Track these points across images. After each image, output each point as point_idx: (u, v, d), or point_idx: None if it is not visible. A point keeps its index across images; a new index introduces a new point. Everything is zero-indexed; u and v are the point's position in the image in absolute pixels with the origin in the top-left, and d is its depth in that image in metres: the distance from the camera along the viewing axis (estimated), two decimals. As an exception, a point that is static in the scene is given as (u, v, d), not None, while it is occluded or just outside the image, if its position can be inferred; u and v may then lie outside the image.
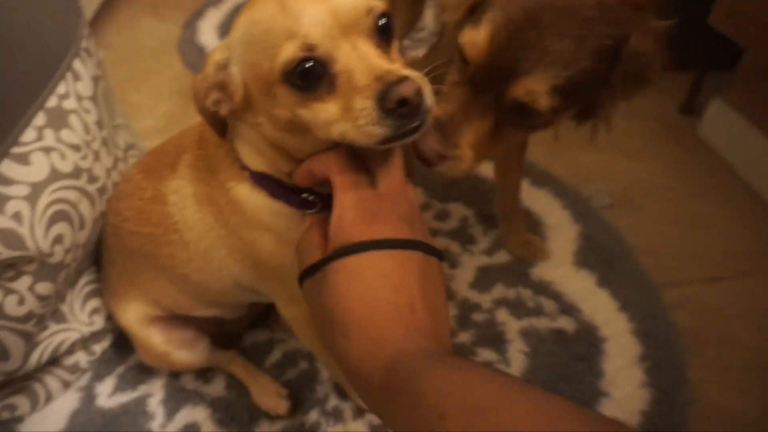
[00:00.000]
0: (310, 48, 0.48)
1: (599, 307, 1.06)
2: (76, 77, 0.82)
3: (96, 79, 0.87)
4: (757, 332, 1.03)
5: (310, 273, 0.50)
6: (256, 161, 0.62)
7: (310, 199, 0.61)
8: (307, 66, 0.48)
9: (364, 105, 0.47)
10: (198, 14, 1.91)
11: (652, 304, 1.06)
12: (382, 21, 0.51)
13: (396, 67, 0.49)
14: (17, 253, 0.72)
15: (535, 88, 0.56)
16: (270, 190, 0.62)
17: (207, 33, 1.84)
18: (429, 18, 1.63)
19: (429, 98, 0.48)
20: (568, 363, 0.97)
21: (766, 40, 1.13)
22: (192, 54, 1.78)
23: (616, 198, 1.31)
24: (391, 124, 0.47)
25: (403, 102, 0.46)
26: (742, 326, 1.04)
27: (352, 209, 0.49)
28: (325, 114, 0.50)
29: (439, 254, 0.52)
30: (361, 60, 0.48)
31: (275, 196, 0.62)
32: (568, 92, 0.57)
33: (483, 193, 1.29)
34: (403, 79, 0.46)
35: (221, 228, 0.70)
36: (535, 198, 1.28)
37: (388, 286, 0.45)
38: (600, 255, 1.15)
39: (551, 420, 0.35)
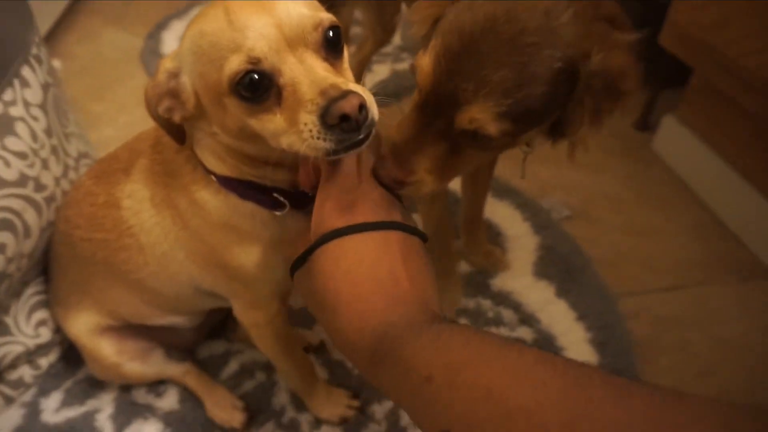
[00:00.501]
0: (255, 61, 0.48)
1: (557, 317, 1.07)
2: (24, 84, 0.81)
3: (46, 87, 0.86)
4: (711, 341, 1.06)
5: (298, 264, 0.54)
6: (219, 166, 0.62)
7: (281, 199, 0.62)
8: (253, 78, 0.49)
9: (308, 120, 0.48)
10: (162, 25, 1.89)
11: (609, 313, 1.08)
12: (331, 34, 0.52)
13: (342, 80, 0.50)
14: (-46, 263, 0.69)
15: (477, 116, 0.55)
16: (239, 192, 0.63)
17: (171, 44, 1.82)
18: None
19: (373, 112, 0.49)
20: (526, 372, 0.97)
21: (712, 59, 1.18)
22: (155, 64, 1.76)
23: (575, 210, 1.34)
24: (335, 139, 0.48)
25: (345, 117, 0.47)
26: (697, 335, 1.07)
27: (329, 200, 0.53)
28: (273, 125, 0.51)
29: (420, 233, 0.55)
30: (306, 73, 0.49)
31: (245, 197, 0.63)
32: (518, 116, 0.56)
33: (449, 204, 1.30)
34: (346, 94, 0.47)
35: (180, 230, 0.69)
36: (496, 209, 1.29)
37: (368, 263, 0.49)
38: (559, 266, 1.17)
39: (528, 372, 0.37)
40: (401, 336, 0.44)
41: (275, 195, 0.62)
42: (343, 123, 0.47)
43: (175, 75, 0.55)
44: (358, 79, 1.47)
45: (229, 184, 0.63)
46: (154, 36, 1.85)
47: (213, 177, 0.63)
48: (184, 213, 0.67)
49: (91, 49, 1.84)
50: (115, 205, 0.72)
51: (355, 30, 1.64)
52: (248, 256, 0.67)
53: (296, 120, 0.49)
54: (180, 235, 0.69)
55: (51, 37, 1.80)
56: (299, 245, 0.55)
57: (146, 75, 1.73)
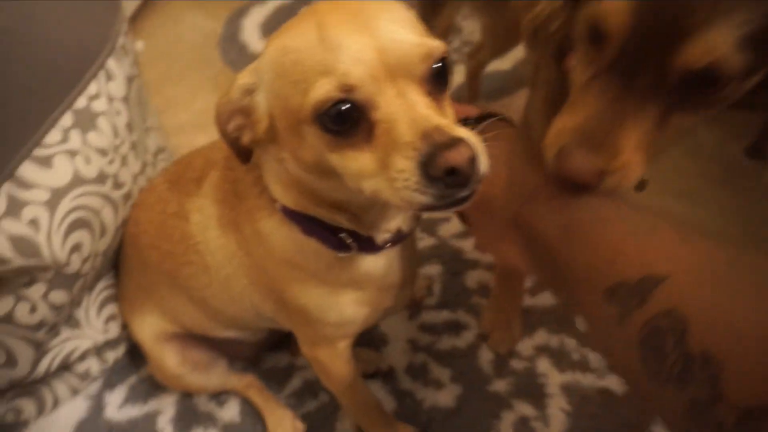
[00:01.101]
0: (348, 89, 0.41)
1: (652, 366, 0.95)
2: (110, 77, 0.77)
3: (130, 79, 0.82)
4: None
5: None
6: (285, 196, 0.55)
7: (348, 241, 0.54)
8: (342, 108, 0.41)
9: (405, 166, 0.40)
10: (242, 11, 1.86)
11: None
12: (437, 65, 0.43)
13: (447, 123, 0.42)
14: (31, 262, 0.67)
15: (717, 43, 0.40)
16: (303, 226, 0.56)
17: (249, 31, 1.79)
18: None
19: (483, 164, 0.41)
20: (614, 428, 0.87)
21: None
22: (232, 51, 1.74)
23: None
24: (435, 194, 0.40)
25: (452, 170, 0.39)
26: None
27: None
28: (358, 165, 0.43)
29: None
30: (406, 110, 0.41)
31: (308, 233, 0.56)
32: (765, 39, 0.40)
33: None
34: (455, 142, 0.39)
35: (244, 257, 0.64)
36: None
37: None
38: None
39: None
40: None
41: (342, 236, 0.55)
42: (448, 177, 0.39)
43: (249, 92, 0.48)
44: (476, 94, 1.35)
45: (293, 216, 0.56)
46: (233, 22, 1.83)
47: (279, 205, 0.56)
48: (248, 240, 0.62)
49: (172, 31, 1.84)
50: (184, 218, 0.68)
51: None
52: (310, 298, 0.61)
53: (389, 164, 0.41)
54: (244, 262, 0.64)
55: (135, 18, 1.81)
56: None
57: (222, 61, 1.72)
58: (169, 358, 0.81)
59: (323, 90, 0.41)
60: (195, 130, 1.44)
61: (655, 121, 0.45)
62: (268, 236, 0.58)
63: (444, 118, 0.43)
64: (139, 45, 1.65)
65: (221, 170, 0.64)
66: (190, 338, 0.83)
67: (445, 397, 0.90)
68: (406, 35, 0.42)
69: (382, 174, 0.42)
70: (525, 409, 0.89)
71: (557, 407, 0.90)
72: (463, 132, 0.41)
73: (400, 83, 0.42)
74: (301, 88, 0.42)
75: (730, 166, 1.38)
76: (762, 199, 1.30)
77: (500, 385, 0.92)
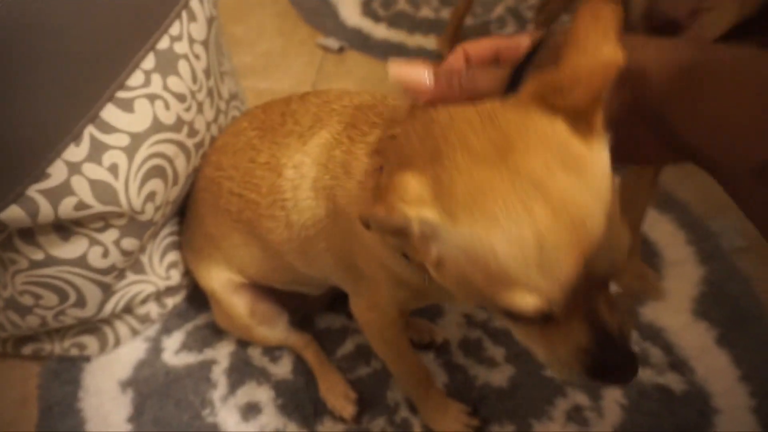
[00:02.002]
0: (547, 309, 0.39)
1: (716, 370, 0.92)
2: (192, 18, 0.74)
3: (210, 21, 0.78)
4: None
5: None
6: None
7: None
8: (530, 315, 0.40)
9: (573, 365, 0.41)
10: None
11: (782, 380, 0.91)
12: None
13: (618, 325, 0.41)
14: (109, 209, 0.66)
15: None
16: None
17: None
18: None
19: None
20: (671, 429, 0.85)
21: None
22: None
23: (751, 240, 1.13)
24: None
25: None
26: None
27: None
28: (525, 332, 0.44)
29: None
30: (588, 314, 0.40)
31: None
32: None
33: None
34: (626, 362, 0.41)
35: (328, 224, 0.62)
36: (655, 225, 1.12)
37: None
38: (725, 308, 0.99)
39: None
40: None
41: None
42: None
43: (426, 237, 0.41)
44: None
45: None
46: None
47: None
48: (337, 212, 0.60)
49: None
50: (276, 171, 0.65)
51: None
52: (378, 273, 0.61)
53: (558, 349, 0.42)
54: (326, 228, 0.63)
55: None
56: None
57: (288, 0, 1.65)
58: (240, 307, 0.81)
59: (524, 303, 0.39)
60: (258, 75, 1.41)
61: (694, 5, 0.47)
62: (362, 231, 0.56)
63: (614, 312, 0.42)
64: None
65: (334, 135, 0.61)
66: (257, 290, 0.83)
67: (499, 376, 0.88)
68: (622, 251, 0.40)
69: (546, 347, 0.43)
70: (579, 398, 0.88)
71: (613, 400, 0.88)
72: (630, 337, 0.42)
73: (592, 292, 0.40)
74: (493, 283, 0.39)
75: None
76: None
77: (556, 373, 0.90)
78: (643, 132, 0.40)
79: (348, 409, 0.83)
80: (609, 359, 0.40)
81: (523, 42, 0.45)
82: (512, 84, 0.43)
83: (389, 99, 0.63)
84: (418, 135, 0.44)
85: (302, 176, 0.63)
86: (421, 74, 0.46)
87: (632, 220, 0.98)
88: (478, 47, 0.48)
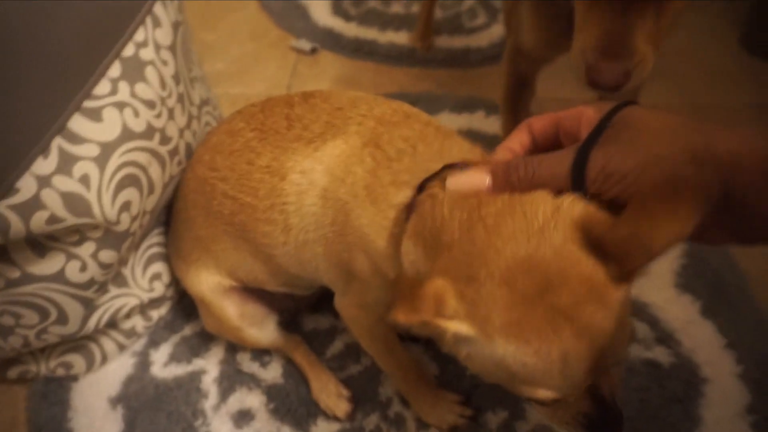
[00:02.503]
0: (561, 398, 0.47)
1: (702, 341, 0.93)
2: (156, 23, 0.73)
3: (176, 26, 0.78)
4: None
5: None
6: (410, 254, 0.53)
7: None
8: None
9: (570, 422, 0.50)
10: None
11: (766, 346, 0.93)
12: None
13: (610, 393, 0.48)
14: (83, 221, 0.65)
15: None
16: None
17: (287, -29, 1.70)
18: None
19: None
20: (662, 402, 0.86)
21: None
22: (267, -7, 1.66)
23: (728, 212, 1.15)
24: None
25: None
26: None
27: None
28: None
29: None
30: (588, 392, 0.47)
31: None
32: None
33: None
34: (615, 420, 0.48)
35: (332, 233, 0.63)
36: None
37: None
38: (707, 279, 1.01)
39: None
40: None
41: None
42: None
43: (458, 340, 0.45)
44: None
45: None
46: (268, -38, 1.74)
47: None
48: (347, 225, 0.60)
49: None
50: (278, 175, 0.65)
51: None
52: (373, 280, 0.62)
53: (560, 414, 0.50)
54: (329, 236, 0.63)
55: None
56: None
57: (258, 5, 1.64)
58: (230, 310, 0.80)
59: (543, 396, 0.46)
60: (231, 80, 1.40)
61: (654, 16, 0.54)
62: (373, 243, 0.58)
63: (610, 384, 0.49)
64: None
65: (353, 148, 0.60)
66: (246, 292, 0.82)
67: (490, 364, 0.89)
68: (624, 346, 0.46)
69: (553, 413, 0.50)
70: (571, 380, 0.88)
71: (604, 379, 0.88)
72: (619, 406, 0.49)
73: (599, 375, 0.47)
74: (519, 381, 0.45)
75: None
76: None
77: (547, 356, 0.91)
78: (719, 219, 0.40)
79: (342, 407, 0.82)
80: (603, 420, 0.49)
81: (585, 114, 0.46)
82: (576, 167, 0.43)
83: (413, 120, 0.62)
84: (460, 224, 0.47)
85: (311, 183, 0.62)
86: (480, 181, 0.47)
87: None
88: (542, 122, 0.49)
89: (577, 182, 0.43)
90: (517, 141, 0.50)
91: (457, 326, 0.43)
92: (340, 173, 0.60)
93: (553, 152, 0.46)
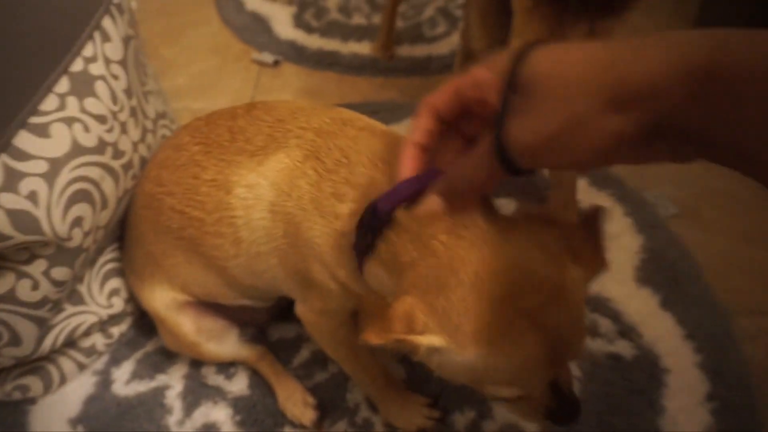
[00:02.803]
0: (525, 395, 0.51)
1: (662, 332, 0.95)
2: (105, 38, 0.73)
3: (127, 40, 0.77)
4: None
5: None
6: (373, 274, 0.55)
7: None
8: None
9: (534, 415, 0.54)
10: (238, -35, 1.78)
11: (723, 334, 0.95)
12: None
13: (568, 386, 0.53)
14: (32, 238, 0.64)
15: None
16: (360, 254, 0.55)
17: (247, -13, 1.72)
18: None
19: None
20: (625, 394, 0.87)
21: None
22: (229, 8, 1.67)
23: (683, 207, 1.18)
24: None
25: None
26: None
27: None
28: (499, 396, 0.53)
29: None
30: (549, 387, 0.52)
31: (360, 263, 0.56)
32: None
33: (539, 189, 1.18)
34: (574, 408, 0.53)
35: (285, 244, 0.63)
36: (593, 200, 1.16)
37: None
38: (666, 273, 1.04)
39: None
40: None
41: None
42: None
43: (430, 352, 0.47)
44: None
45: (362, 257, 0.55)
46: (229, -23, 1.75)
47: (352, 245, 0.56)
48: (299, 237, 0.61)
49: (165, -12, 1.76)
50: (224, 188, 0.65)
51: None
52: (333, 286, 0.63)
53: (524, 408, 0.54)
54: (282, 247, 0.63)
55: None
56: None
57: (220, 20, 1.65)
58: (186, 326, 0.79)
59: (509, 394, 0.50)
60: (193, 95, 1.39)
61: (586, 31, 0.57)
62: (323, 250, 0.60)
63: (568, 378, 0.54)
64: (133, 4, 1.58)
65: (295, 162, 0.61)
66: (203, 306, 0.81)
67: (457, 366, 0.89)
68: (582, 340, 0.50)
69: (517, 407, 0.55)
70: (536, 377, 0.89)
71: (569, 375, 0.90)
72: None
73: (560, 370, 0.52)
74: (487, 381, 0.49)
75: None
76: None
77: (512, 354, 0.92)
78: (654, 146, 0.37)
79: (308, 415, 0.82)
80: (564, 410, 0.53)
81: (481, 78, 0.43)
82: (499, 156, 0.41)
83: (348, 127, 0.62)
84: (413, 244, 0.49)
85: (257, 197, 0.62)
86: (435, 206, 0.47)
87: (565, 194, 1.03)
88: (442, 98, 0.46)
89: (510, 168, 0.41)
90: (422, 130, 0.47)
91: (429, 340, 0.45)
92: (286, 187, 0.61)
93: (473, 150, 0.44)
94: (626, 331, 0.95)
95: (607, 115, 0.35)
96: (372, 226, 0.52)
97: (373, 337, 0.44)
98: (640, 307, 0.99)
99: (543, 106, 0.38)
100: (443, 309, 0.45)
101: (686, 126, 0.34)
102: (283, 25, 1.62)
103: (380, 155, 0.57)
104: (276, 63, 1.48)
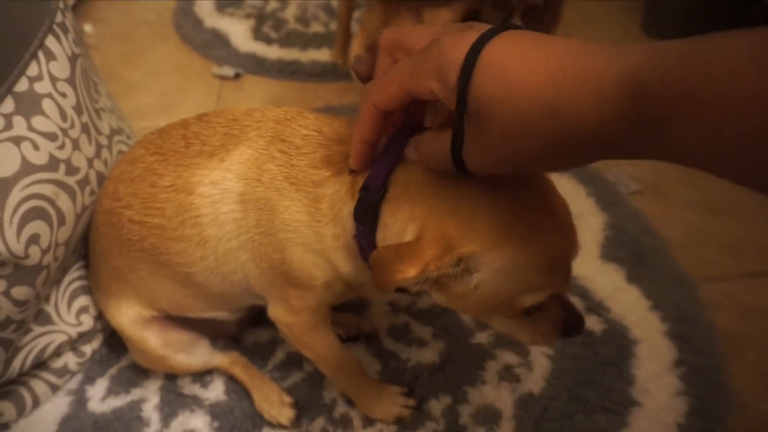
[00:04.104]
0: (556, 293, 0.53)
1: (630, 306, 0.97)
2: (50, 57, 0.73)
3: (73, 59, 0.78)
4: (803, 333, 0.95)
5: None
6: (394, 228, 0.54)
7: None
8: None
9: (553, 339, 0.58)
10: (195, -16, 1.80)
11: (688, 302, 0.97)
12: None
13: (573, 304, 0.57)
14: (-14, 257, 0.64)
15: None
16: (365, 253, 0.56)
17: (203, 3, 1.73)
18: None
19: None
20: (596, 368, 0.89)
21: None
22: (188, 26, 1.68)
23: (645, 184, 1.21)
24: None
25: None
26: (787, 327, 0.96)
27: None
28: (512, 324, 0.56)
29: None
30: (559, 300, 0.56)
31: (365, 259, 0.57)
32: None
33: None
34: (580, 320, 0.57)
35: (258, 235, 0.63)
36: (556, 184, 1.18)
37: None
38: (629, 248, 1.06)
39: None
40: None
41: None
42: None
43: (466, 271, 0.49)
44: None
45: (365, 240, 0.56)
46: (186, -4, 1.76)
47: (356, 226, 0.56)
48: (274, 222, 0.61)
49: (123, 12, 1.77)
50: (184, 191, 0.65)
51: None
52: (316, 280, 0.64)
53: (540, 327, 0.56)
54: (255, 239, 0.63)
55: (82, 1, 1.73)
56: None
57: (179, 39, 1.66)
58: (152, 341, 0.79)
59: (536, 299, 0.51)
60: (156, 113, 1.40)
61: (412, 20, 0.58)
62: (323, 238, 0.60)
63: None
64: (88, 28, 1.59)
65: (260, 150, 0.62)
66: (170, 320, 0.81)
67: (429, 353, 0.91)
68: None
69: (532, 329, 0.56)
70: (508, 357, 0.91)
71: (540, 353, 0.91)
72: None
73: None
74: (521, 290, 0.50)
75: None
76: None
77: (482, 337, 0.93)
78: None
79: (285, 414, 0.82)
80: (574, 322, 0.57)
81: (430, 89, 0.42)
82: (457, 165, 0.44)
83: (306, 113, 0.65)
84: (421, 192, 0.51)
85: (225, 191, 0.63)
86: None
87: None
88: (386, 99, 0.46)
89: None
90: (371, 130, 0.50)
91: (466, 250, 0.47)
92: (255, 174, 0.62)
93: (435, 139, 0.47)
94: (594, 306, 0.97)
95: (556, 155, 0.38)
96: (372, 204, 0.53)
97: (411, 270, 0.45)
98: (607, 282, 1.01)
99: (494, 138, 0.39)
100: (469, 220, 0.48)
101: (631, 154, 0.36)
102: (243, 38, 1.63)
103: (344, 131, 0.60)
104: (237, 76, 1.50)
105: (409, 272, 0.46)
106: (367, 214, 0.54)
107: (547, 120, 0.36)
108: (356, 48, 0.59)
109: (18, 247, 0.67)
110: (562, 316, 0.56)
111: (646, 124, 0.32)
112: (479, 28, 0.40)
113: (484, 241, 0.47)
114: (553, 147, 0.37)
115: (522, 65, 0.37)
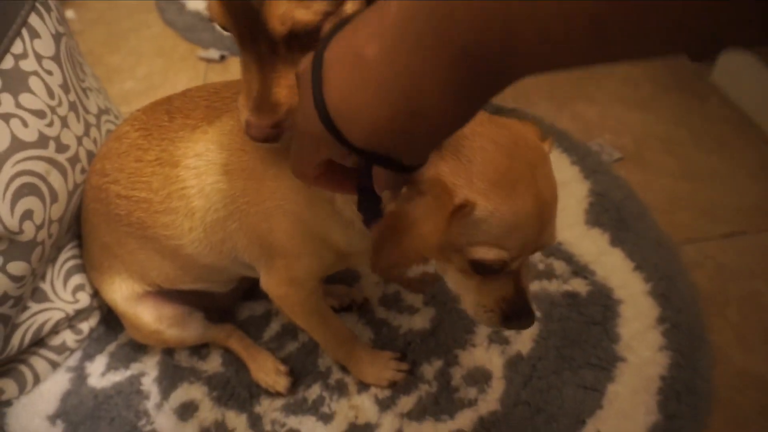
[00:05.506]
0: (506, 259, 0.51)
1: (613, 268, 1.00)
2: (34, 35, 0.74)
3: (58, 37, 0.79)
4: (780, 290, 0.98)
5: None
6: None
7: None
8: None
9: (491, 306, 0.56)
10: (176, -33, 1.78)
11: (669, 263, 1.00)
12: None
13: (527, 287, 0.56)
14: (-19, 233, 0.65)
15: (282, 14, 0.48)
16: (368, 217, 0.54)
17: (186, -13, 1.72)
18: None
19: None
20: (582, 328, 0.92)
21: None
22: (171, 10, 1.67)
23: (626, 152, 1.24)
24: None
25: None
26: (765, 284, 0.99)
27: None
28: (464, 282, 0.56)
29: None
30: (513, 277, 0.55)
31: (368, 226, 0.56)
32: None
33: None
34: (528, 313, 0.56)
35: (246, 204, 0.64)
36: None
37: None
38: (612, 213, 1.09)
39: None
40: None
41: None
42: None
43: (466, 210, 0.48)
44: None
45: (370, 204, 0.54)
46: (167, -21, 1.75)
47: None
48: (264, 191, 0.62)
49: (104, -4, 1.76)
50: (170, 164, 0.67)
51: None
52: (303, 248, 0.65)
53: (484, 297, 0.56)
54: (243, 208, 0.65)
55: (63, -14, 1.71)
56: None
57: (162, 22, 1.65)
58: (145, 316, 0.80)
59: (492, 256, 0.51)
60: (141, 97, 1.40)
61: (291, 68, 0.52)
62: (317, 203, 0.61)
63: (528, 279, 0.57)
64: (70, 14, 1.57)
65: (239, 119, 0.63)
66: (163, 294, 0.83)
67: (420, 320, 0.93)
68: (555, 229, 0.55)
69: (478, 295, 0.56)
70: (498, 322, 0.93)
71: (528, 316, 0.94)
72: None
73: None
74: (483, 240, 0.50)
75: (675, 70, 1.43)
76: (709, 99, 1.35)
77: (472, 303, 0.95)
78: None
79: (281, 382, 0.84)
80: (519, 309, 0.55)
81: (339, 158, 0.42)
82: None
83: None
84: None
85: (209, 162, 0.65)
86: None
87: None
88: (314, 171, 0.46)
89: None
90: (329, 180, 0.50)
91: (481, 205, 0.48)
92: (238, 145, 0.63)
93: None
94: (579, 270, 1.00)
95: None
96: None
97: (431, 223, 0.46)
98: (591, 246, 1.04)
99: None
100: (467, 173, 0.48)
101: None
102: (227, 21, 1.63)
103: None
104: (222, 58, 1.50)
105: (430, 226, 0.47)
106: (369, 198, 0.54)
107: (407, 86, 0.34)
108: (244, 113, 0.55)
109: (12, 222, 0.68)
110: (510, 298, 0.55)
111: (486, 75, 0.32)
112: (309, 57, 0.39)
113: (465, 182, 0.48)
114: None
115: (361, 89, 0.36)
